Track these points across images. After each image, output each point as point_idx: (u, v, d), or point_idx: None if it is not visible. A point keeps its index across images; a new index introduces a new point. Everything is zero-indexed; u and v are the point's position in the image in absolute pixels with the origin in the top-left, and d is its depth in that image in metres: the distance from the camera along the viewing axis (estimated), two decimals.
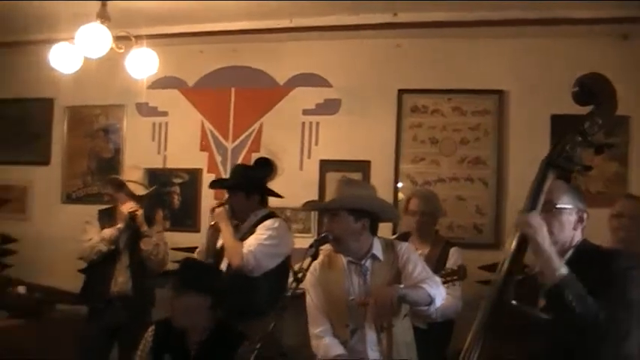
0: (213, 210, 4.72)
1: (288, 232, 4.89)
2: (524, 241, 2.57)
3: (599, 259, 2.64)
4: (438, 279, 3.84)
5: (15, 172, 6.93)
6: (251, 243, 4.51)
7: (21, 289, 5.97)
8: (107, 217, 5.39)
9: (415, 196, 4.98)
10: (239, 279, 4.48)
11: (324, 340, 3.81)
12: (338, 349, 3.77)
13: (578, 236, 2.76)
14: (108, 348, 5.30)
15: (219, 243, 4.72)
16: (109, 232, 5.23)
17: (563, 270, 2.47)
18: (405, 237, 4.77)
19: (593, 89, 2.60)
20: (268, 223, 4.66)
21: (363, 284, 3.73)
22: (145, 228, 5.20)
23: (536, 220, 2.56)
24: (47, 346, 5.67)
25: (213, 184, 5.36)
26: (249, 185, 4.80)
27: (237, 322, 4.09)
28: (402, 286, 3.64)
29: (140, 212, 5.20)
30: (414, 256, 3.88)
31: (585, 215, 2.77)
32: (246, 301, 4.37)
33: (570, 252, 2.72)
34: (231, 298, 4.09)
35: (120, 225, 5.23)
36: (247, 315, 4.28)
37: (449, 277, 4.42)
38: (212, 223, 4.72)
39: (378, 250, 3.82)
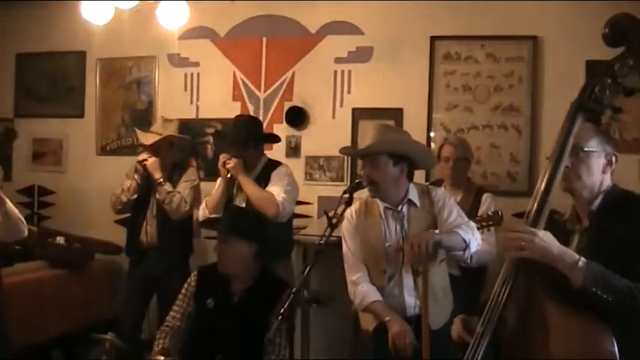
0: (224, 164, 4.77)
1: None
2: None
3: (629, 206, 2.59)
4: (473, 224, 3.85)
5: (50, 126, 7.00)
6: (279, 191, 4.67)
7: (60, 240, 6.06)
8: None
9: (448, 143, 4.96)
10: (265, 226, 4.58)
11: (361, 286, 3.85)
12: (375, 296, 3.81)
13: (607, 181, 2.70)
14: (146, 298, 5.38)
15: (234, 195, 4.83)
16: (128, 182, 5.28)
17: (581, 263, 2.36)
18: (438, 184, 4.76)
19: (623, 30, 2.53)
20: (283, 169, 4.85)
21: (400, 230, 3.75)
22: (157, 176, 5.17)
23: (523, 238, 2.44)
24: (87, 296, 5.81)
25: (222, 137, 5.39)
26: (258, 136, 4.91)
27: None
28: (437, 231, 3.66)
29: (152, 161, 5.20)
30: (449, 202, 3.90)
31: (614, 158, 2.70)
32: (271, 246, 4.45)
33: (600, 198, 2.66)
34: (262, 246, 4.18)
35: (136, 175, 5.28)
36: (270, 257, 4.38)
37: (484, 223, 4.42)
38: (228, 176, 4.78)
39: (414, 196, 3.84)
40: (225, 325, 3.91)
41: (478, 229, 4.15)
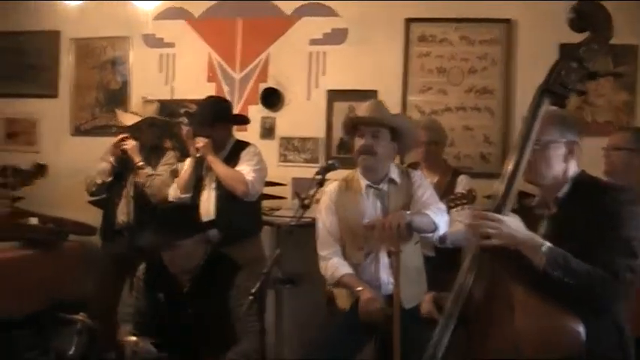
0: (194, 143, 4.78)
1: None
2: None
3: (594, 192, 2.62)
4: (443, 207, 3.94)
5: (24, 106, 6.93)
6: (248, 170, 4.72)
7: (33, 220, 6.03)
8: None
9: (421, 127, 5.00)
10: (231, 204, 4.64)
11: (331, 260, 3.93)
12: (345, 269, 3.91)
13: (573, 168, 2.72)
14: (119, 278, 5.38)
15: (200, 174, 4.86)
16: (103, 164, 5.28)
17: (544, 248, 2.43)
18: (414, 167, 4.80)
19: (588, 14, 2.58)
20: (251, 149, 4.90)
21: (381, 207, 3.80)
22: (137, 160, 5.21)
23: (489, 225, 2.49)
24: (59, 276, 5.79)
25: (192, 117, 5.40)
26: (227, 116, 4.96)
27: (229, 245, 4.19)
28: (408, 212, 3.70)
29: (131, 144, 5.20)
30: (425, 183, 4.05)
31: (576, 146, 2.72)
32: (241, 224, 4.50)
33: (567, 185, 2.70)
34: (225, 223, 4.18)
35: (112, 158, 5.27)
36: (239, 237, 4.48)
37: (458, 202, 4.47)
38: (197, 155, 4.79)
39: (395, 174, 3.95)
40: (180, 316, 3.88)
41: (452, 207, 4.26)
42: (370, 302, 3.74)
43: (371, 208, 3.91)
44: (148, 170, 5.19)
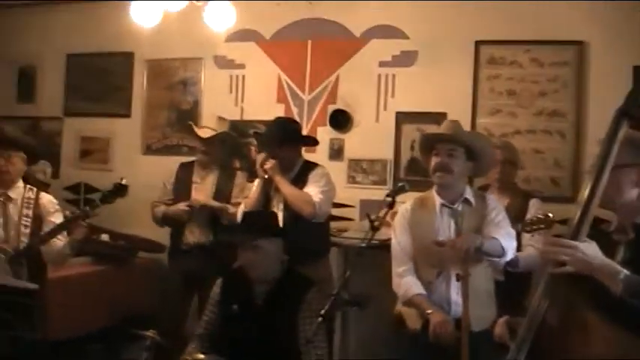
0: (262, 164, 4.81)
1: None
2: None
3: None
4: (513, 232, 3.89)
5: (98, 124, 7.13)
6: (316, 191, 4.70)
7: (104, 237, 6.16)
8: (187, 171, 5.55)
9: (496, 147, 4.93)
10: (299, 225, 4.63)
11: (405, 279, 3.93)
12: (418, 289, 3.89)
13: None
14: (189, 297, 5.46)
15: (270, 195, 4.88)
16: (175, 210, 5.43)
17: (622, 275, 2.33)
18: (483, 190, 4.76)
19: None
20: (319, 171, 4.88)
21: (455, 227, 3.77)
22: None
23: (564, 252, 2.41)
24: (128, 292, 5.89)
25: (260, 137, 5.46)
26: (296, 137, 4.98)
27: (297, 265, 4.22)
28: (479, 236, 3.68)
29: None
30: (499, 207, 4.04)
31: None
32: (309, 245, 4.50)
33: None
34: (293, 243, 4.22)
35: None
36: (307, 258, 4.45)
37: (535, 226, 4.37)
38: (265, 177, 4.82)
39: (470, 195, 3.91)
40: (251, 328, 3.93)
41: (528, 232, 4.20)
42: (441, 325, 3.71)
43: (445, 228, 3.89)
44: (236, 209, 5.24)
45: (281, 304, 3.95)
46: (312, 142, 5.39)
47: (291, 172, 4.89)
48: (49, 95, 7.38)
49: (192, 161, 5.68)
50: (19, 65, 7.48)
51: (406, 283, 3.93)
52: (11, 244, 4.37)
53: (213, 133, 5.48)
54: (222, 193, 5.48)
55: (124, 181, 4.53)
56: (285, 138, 4.88)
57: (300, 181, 4.83)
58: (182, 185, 5.54)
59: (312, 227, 4.72)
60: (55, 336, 4.86)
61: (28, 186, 4.61)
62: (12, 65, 7.51)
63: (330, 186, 4.84)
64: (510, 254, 3.80)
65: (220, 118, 5.62)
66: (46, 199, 4.65)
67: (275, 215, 4.46)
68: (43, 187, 6.09)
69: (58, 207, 4.69)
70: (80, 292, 5.54)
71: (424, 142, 4.08)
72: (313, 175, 4.83)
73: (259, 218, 4.39)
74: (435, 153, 3.93)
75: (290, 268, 4.11)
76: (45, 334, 4.21)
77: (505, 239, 3.75)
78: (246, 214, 4.63)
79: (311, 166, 4.96)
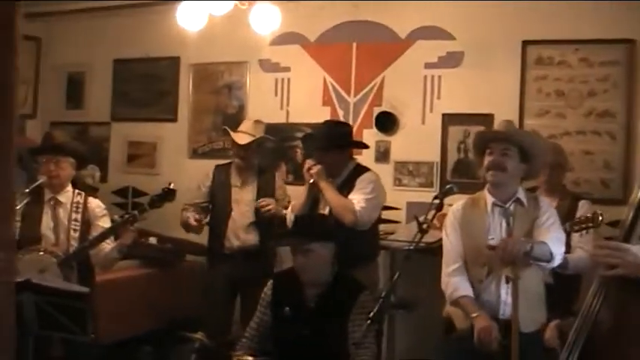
0: (309, 169, 4.79)
1: (381, 183, 5.00)
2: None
3: None
4: (563, 237, 3.83)
5: (145, 129, 7.22)
6: (359, 199, 4.65)
7: (152, 240, 6.21)
8: (224, 174, 5.55)
9: None
10: (345, 230, 4.58)
11: (454, 279, 3.90)
12: (466, 291, 3.86)
13: None
14: (232, 300, 5.48)
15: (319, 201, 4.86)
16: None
17: None
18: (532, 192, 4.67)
19: None
20: (367, 176, 4.81)
21: (507, 227, 3.73)
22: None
23: (615, 255, 2.39)
24: (176, 295, 5.93)
25: (307, 142, 5.44)
26: (343, 141, 4.90)
27: (346, 269, 4.22)
28: (529, 240, 3.63)
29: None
30: (552, 211, 3.95)
31: None
32: (354, 250, 4.46)
33: None
34: (343, 247, 4.21)
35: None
36: (354, 262, 4.41)
37: (583, 225, 4.31)
38: (311, 181, 4.80)
39: (522, 195, 3.87)
40: (303, 331, 3.94)
41: (576, 231, 4.16)
42: (484, 331, 3.67)
43: (496, 227, 3.85)
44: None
45: (332, 307, 3.97)
46: (360, 145, 5.34)
47: (340, 177, 4.86)
48: (97, 101, 7.49)
49: (229, 163, 5.67)
50: (67, 71, 7.60)
51: (454, 283, 3.90)
52: (61, 247, 4.44)
53: (250, 138, 5.44)
54: (265, 197, 5.46)
55: (172, 186, 4.58)
56: (332, 142, 4.85)
57: (347, 186, 4.79)
58: (221, 188, 5.52)
59: (361, 231, 4.68)
60: (105, 339, 4.92)
61: (77, 190, 4.68)
62: (61, 72, 7.63)
63: (376, 193, 4.77)
64: (558, 260, 3.74)
65: (257, 122, 5.60)
66: (95, 203, 4.71)
67: (327, 219, 4.46)
68: (92, 191, 6.19)
69: (105, 211, 4.75)
70: (129, 295, 5.60)
71: (479, 141, 4.04)
72: (360, 181, 4.77)
73: (311, 222, 4.39)
74: (489, 152, 3.88)
75: (341, 272, 4.11)
76: (96, 336, 4.26)
77: (555, 245, 3.68)
78: (298, 218, 4.63)
79: (361, 170, 4.90)
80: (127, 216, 4.53)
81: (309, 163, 4.84)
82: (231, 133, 5.48)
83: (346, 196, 4.72)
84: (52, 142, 4.68)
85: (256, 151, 5.56)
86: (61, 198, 4.56)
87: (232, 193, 5.48)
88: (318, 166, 4.75)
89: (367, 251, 4.85)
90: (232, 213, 5.43)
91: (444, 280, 3.98)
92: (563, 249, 3.78)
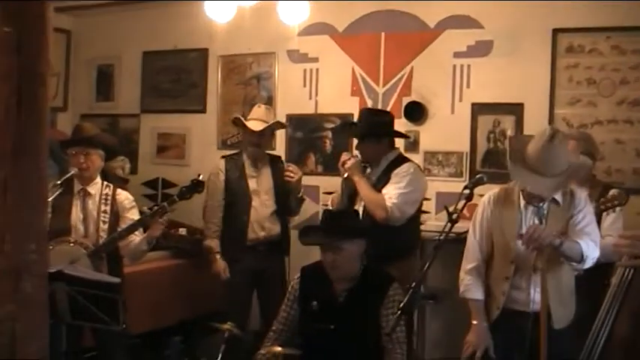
0: (344, 163, 4.74)
1: (423, 175, 4.95)
2: None
3: None
4: (598, 240, 3.73)
5: (174, 121, 7.27)
6: (392, 194, 4.54)
7: (182, 231, 6.25)
8: (237, 164, 5.46)
9: (572, 138, 4.70)
10: (382, 225, 4.54)
11: (468, 277, 3.93)
12: (476, 294, 3.90)
13: None
14: (251, 291, 5.44)
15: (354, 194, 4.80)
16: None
17: None
18: None
19: None
20: (404, 169, 4.68)
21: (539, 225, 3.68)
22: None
23: (637, 244, 2.40)
24: (205, 285, 5.96)
25: (343, 131, 5.40)
26: (380, 130, 4.84)
27: (381, 265, 4.19)
28: (560, 237, 3.56)
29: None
30: (588, 209, 3.83)
31: None
32: (390, 245, 4.43)
33: None
34: (375, 243, 4.18)
35: None
36: (391, 258, 4.38)
37: (609, 204, 4.26)
38: (345, 175, 4.74)
39: (557, 194, 3.78)
40: (332, 325, 3.94)
41: (603, 210, 4.11)
42: (467, 344, 3.82)
43: (527, 225, 3.76)
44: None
45: (362, 301, 3.96)
46: (398, 135, 5.13)
47: (379, 167, 4.77)
48: (126, 93, 7.56)
49: (237, 153, 5.57)
50: (97, 64, 7.67)
51: (467, 282, 3.92)
52: (90, 238, 4.47)
53: (264, 124, 5.34)
54: (281, 184, 5.40)
55: (201, 177, 4.59)
56: (370, 131, 4.79)
57: (384, 178, 4.69)
58: (237, 179, 5.41)
59: (398, 227, 4.59)
60: (135, 329, 4.96)
61: (105, 182, 4.71)
62: (91, 65, 7.70)
63: (412, 186, 4.61)
64: (590, 263, 3.62)
65: (268, 108, 5.55)
66: (123, 195, 4.74)
67: (358, 215, 4.42)
68: (122, 182, 6.24)
69: (134, 203, 4.77)
70: (159, 285, 5.64)
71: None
72: (396, 174, 4.64)
73: (341, 219, 4.34)
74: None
75: (370, 265, 4.09)
76: (126, 327, 4.30)
77: (588, 247, 3.58)
78: (327, 214, 4.54)
79: (399, 161, 4.77)
80: (156, 208, 4.55)
81: (344, 156, 4.78)
82: (245, 122, 5.36)
83: (383, 188, 4.64)
84: (82, 135, 4.71)
85: (270, 137, 5.58)
86: (91, 190, 4.60)
87: (250, 184, 5.40)
88: (352, 160, 4.69)
89: (404, 245, 4.75)
90: (253, 203, 5.36)
91: (460, 274, 3.98)
92: (597, 253, 3.65)
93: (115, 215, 4.61)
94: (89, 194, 4.58)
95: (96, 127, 5.08)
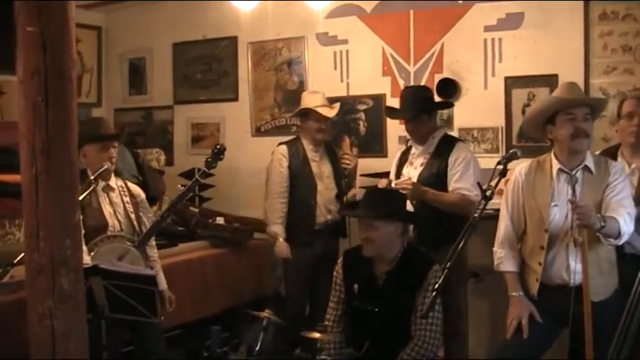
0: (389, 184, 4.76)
1: (471, 150, 4.97)
2: None
3: None
4: (634, 213, 3.66)
5: (207, 110, 7.30)
6: (468, 186, 4.58)
7: (220, 220, 6.27)
8: (298, 150, 5.53)
9: (631, 97, 4.37)
10: (431, 209, 4.52)
11: (501, 250, 3.93)
12: (510, 266, 3.90)
13: None
14: (312, 277, 5.47)
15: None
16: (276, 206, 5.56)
17: None
18: (608, 154, 4.25)
19: None
20: (460, 152, 4.72)
21: (572, 194, 3.63)
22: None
23: None
24: (246, 273, 6.00)
25: (393, 115, 5.38)
26: (430, 105, 4.85)
27: (430, 250, 4.18)
28: (603, 217, 3.49)
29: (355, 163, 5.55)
30: (624, 180, 3.74)
31: None
32: (441, 229, 4.41)
33: None
34: (424, 228, 4.17)
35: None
36: (441, 242, 4.33)
37: None
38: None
39: (590, 162, 3.73)
40: (371, 308, 3.95)
41: None
42: (509, 316, 3.79)
43: (561, 193, 3.74)
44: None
45: (402, 283, 3.97)
46: (447, 105, 5.38)
47: (431, 146, 4.80)
48: (158, 85, 7.60)
49: (294, 139, 5.65)
50: (129, 58, 7.72)
51: (501, 255, 3.92)
52: (127, 231, 4.53)
53: (333, 110, 5.49)
54: (339, 168, 5.57)
55: (218, 146, 4.68)
56: (420, 108, 4.78)
57: (439, 158, 4.73)
58: (301, 164, 5.48)
59: (446, 214, 4.59)
60: (177, 320, 5.00)
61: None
62: (123, 59, 7.76)
63: (473, 167, 4.70)
64: (625, 238, 3.58)
65: (312, 92, 5.62)
66: (134, 186, 4.85)
67: (400, 197, 4.37)
68: (158, 174, 6.29)
69: (143, 194, 4.86)
70: (198, 275, 5.67)
71: (560, 106, 3.76)
72: (454, 161, 4.69)
73: (381, 198, 4.32)
74: (569, 117, 3.69)
75: (411, 248, 4.08)
76: (164, 319, 4.36)
77: (625, 221, 3.52)
78: (369, 192, 4.55)
79: (450, 140, 4.83)
80: (190, 183, 4.84)
81: (382, 184, 4.85)
82: (319, 110, 5.41)
83: (439, 167, 4.69)
84: (111, 130, 4.79)
85: (332, 123, 5.68)
86: (112, 184, 4.66)
87: (313, 167, 5.49)
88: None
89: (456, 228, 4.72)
90: (318, 187, 5.45)
91: (495, 246, 3.98)
92: (632, 227, 3.60)
93: (135, 205, 4.70)
94: (112, 189, 4.64)
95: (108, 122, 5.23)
